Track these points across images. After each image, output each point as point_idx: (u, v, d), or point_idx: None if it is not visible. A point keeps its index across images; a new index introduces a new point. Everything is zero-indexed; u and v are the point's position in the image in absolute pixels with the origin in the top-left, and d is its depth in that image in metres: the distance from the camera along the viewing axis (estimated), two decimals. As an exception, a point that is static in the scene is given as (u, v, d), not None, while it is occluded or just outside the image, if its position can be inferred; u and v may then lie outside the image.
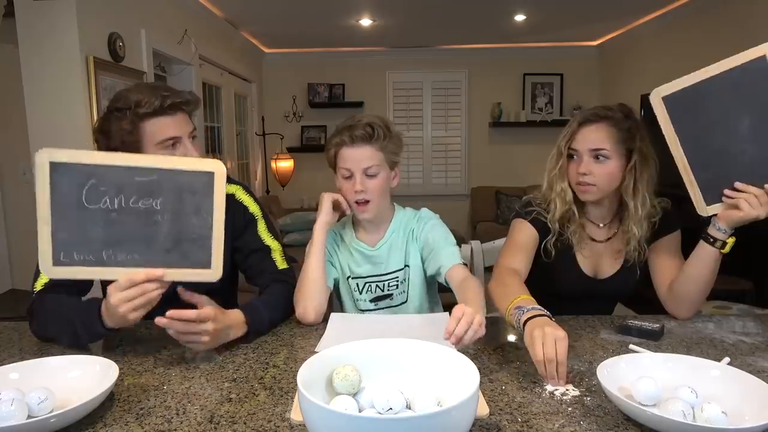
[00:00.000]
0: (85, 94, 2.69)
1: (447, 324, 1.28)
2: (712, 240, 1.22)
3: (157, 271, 1.05)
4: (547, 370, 0.95)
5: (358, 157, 1.37)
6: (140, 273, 1.04)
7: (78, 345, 1.14)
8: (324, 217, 1.38)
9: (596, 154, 1.33)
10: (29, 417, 0.82)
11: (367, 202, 1.39)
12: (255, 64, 5.80)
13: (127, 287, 1.03)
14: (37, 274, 1.23)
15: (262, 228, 1.43)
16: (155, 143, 1.23)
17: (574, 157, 1.37)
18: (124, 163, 1.05)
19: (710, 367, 0.93)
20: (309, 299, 1.32)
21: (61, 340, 1.15)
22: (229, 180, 1.44)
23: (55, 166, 1.02)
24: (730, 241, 1.21)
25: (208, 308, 1.10)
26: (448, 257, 1.37)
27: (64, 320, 1.13)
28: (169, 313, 1.05)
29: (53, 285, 1.22)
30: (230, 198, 1.42)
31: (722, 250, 1.22)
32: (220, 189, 1.09)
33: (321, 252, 1.37)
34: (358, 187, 1.37)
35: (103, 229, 1.04)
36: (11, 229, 3.80)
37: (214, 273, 1.11)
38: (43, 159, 1.01)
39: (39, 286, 1.23)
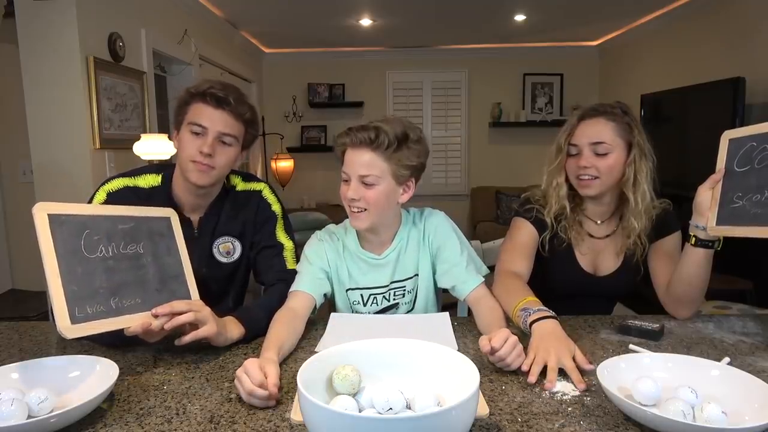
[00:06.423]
0: (85, 94, 2.69)
1: (448, 326, 1.30)
2: (695, 240, 1.22)
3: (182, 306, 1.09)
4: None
5: (356, 161, 1.24)
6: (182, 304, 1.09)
7: (116, 342, 1.14)
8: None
9: (596, 148, 1.34)
10: (29, 417, 0.82)
11: (362, 210, 1.26)
12: (255, 64, 5.79)
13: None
14: None
15: (279, 227, 1.45)
16: (186, 123, 1.29)
17: (574, 152, 1.38)
18: (107, 213, 1.11)
19: (710, 367, 0.93)
20: None
21: (101, 340, 1.16)
22: (256, 179, 1.51)
23: (53, 218, 1.01)
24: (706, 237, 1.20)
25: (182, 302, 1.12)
26: (467, 278, 1.32)
27: None
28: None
29: None
30: (257, 195, 1.46)
31: (704, 248, 1.22)
32: (179, 229, 1.22)
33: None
34: (351, 194, 1.25)
35: (106, 278, 1.05)
36: (11, 229, 3.80)
37: None
38: (41, 212, 1.00)
39: None
